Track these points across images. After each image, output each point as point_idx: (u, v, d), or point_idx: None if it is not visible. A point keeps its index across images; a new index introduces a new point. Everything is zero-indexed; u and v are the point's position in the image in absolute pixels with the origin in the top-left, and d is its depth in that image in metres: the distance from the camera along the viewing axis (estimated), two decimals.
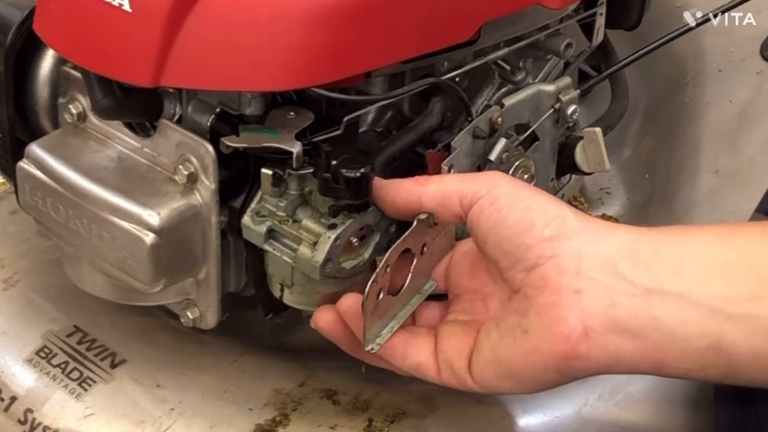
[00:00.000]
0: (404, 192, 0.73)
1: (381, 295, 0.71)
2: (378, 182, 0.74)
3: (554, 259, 0.67)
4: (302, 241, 0.75)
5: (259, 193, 0.77)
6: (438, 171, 0.78)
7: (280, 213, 0.76)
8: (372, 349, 0.72)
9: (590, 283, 0.67)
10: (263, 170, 0.75)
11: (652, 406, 0.86)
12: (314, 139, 0.74)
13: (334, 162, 0.72)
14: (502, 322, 0.70)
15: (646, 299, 0.66)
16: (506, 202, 0.69)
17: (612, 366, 0.68)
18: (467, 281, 0.76)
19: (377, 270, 0.71)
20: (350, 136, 0.75)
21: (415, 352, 0.74)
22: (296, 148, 0.72)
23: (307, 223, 0.75)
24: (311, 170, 0.74)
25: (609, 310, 0.66)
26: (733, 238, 0.67)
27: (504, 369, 0.70)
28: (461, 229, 0.79)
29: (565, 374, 0.68)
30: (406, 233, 0.73)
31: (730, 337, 0.65)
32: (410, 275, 0.75)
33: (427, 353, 0.74)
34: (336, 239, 0.74)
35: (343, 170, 0.72)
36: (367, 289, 0.70)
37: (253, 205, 0.77)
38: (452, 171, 0.78)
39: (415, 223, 0.73)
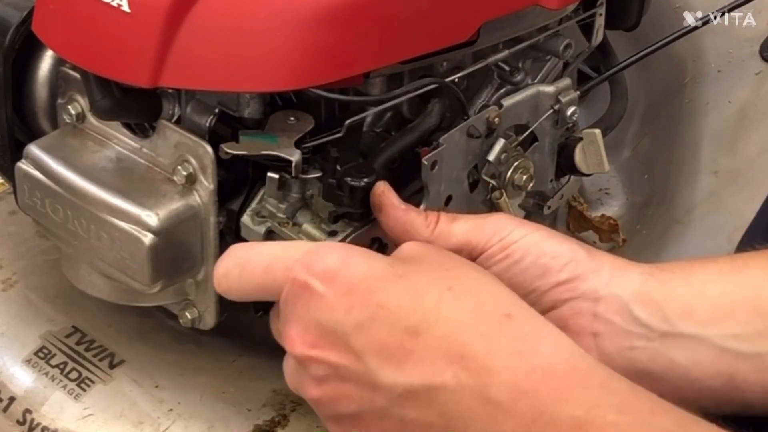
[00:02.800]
0: (414, 235, 0.71)
1: None
2: (394, 211, 0.72)
3: (571, 302, 0.68)
4: None
5: (260, 193, 0.77)
6: None
7: (281, 215, 0.76)
8: None
9: (607, 326, 0.68)
10: (269, 174, 0.74)
11: None
12: (314, 143, 0.74)
13: (339, 168, 0.72)
14: None
15: (662, 343, 0.67)
16: (518, 248, 0.69)
17: None
18: None
19: None
20: (353, 138, 0.75)
21: None
22: (295, 156, 0.72)
23: (308, 227, 0.75)
24: (318, 174, 0.74)
25: (627, 354, 0.67)
26: (736, 274, 0.68)
27: None
28: None
29: None
30: (373, 222, 0.73)
31: (741, 375, 0.66)
32: None
33: None
34: None
35: (348, 178, 0.72)
36: None
37: (253, 204, 0.77)
38: (436, 168, 0.77)
39: None
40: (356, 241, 0.72)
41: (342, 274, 0.62)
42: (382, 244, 0.75)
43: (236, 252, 0.67)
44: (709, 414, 0.72)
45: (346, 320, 0.61)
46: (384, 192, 0.72)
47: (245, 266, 0.66)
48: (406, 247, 0.66)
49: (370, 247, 0.74)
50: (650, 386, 0.66)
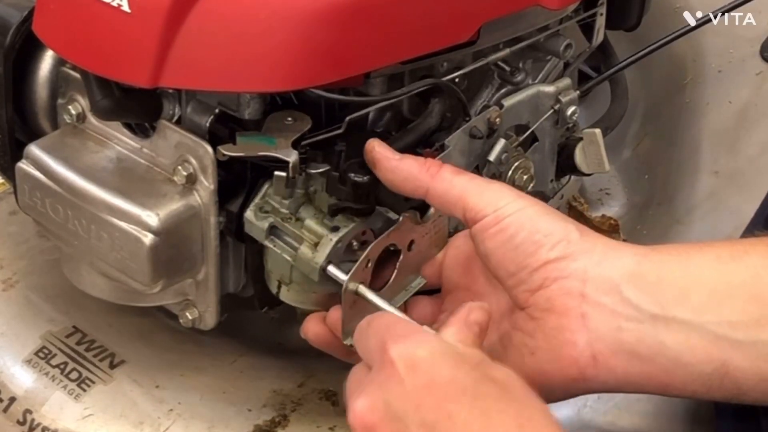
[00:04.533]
0: (413, 181, 0.72)
1: (361, 290, 0.72)
2: (389, 163, 0.73)
3: (560, 281, 0.68)
4: (304, 241, 0.75)
5: (263, 189, 0.77)
6: None
7: (283, 210, 0.76)
8: (350, 343, 0.72)
9: (596, 307, 0.67)
10: (276, 173, 0.74)
11: (651, 406, 0.86)
12: (311, 141, 0.74)
13: (343, 163, 0.72)
14: (505, 338, 0.71)
15: (652, 325, 0.66)
16: (512, 222, 0.69)
17: (619, 387, 0.68)
18: (460, 278, 0.76)
19: (356, 264, 0.71)
20: (356, 135, 0.75)
21: None
22: (292, 157, 0.72)
23: (310, 223, 0.75)
24: (325, 168, 0.74)
25: (615, 334, 0.67)
26: (735, 261, 0.67)
27: None
28: (454, 225, 0.79)
29: (571, 393, 0.70)
30: (390, 229, 0.73)
31: (735, 362, 0.65)
32: (396, 271, 0.75)
33: None
34: (338, 242, 0.73)
35: (351, 174, 0.72)
36: (345, 284, 0.71)
37: (256, 200, 0.77)
38: None
39: (400, 219, 0.73)
40: (374, 250, 0.72)
41: (424, 368, 0.62)
42: (396, 250, 0.75)
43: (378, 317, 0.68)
44: (700, 400, 0.72)
45: (414, 415, 0.61)
46: (375, 147, 0.73)
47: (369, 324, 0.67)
48: (500, 371, 0.65)
49: (360, 239, 0.75)
50: (639, 367, 0.66)
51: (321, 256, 0.73)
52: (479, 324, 0.68)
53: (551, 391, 0.69)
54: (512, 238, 0.69)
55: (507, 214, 0.69)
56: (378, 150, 0.73)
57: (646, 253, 0.69)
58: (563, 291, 0.68)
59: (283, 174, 0.74)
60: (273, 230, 0.77)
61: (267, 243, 0.77)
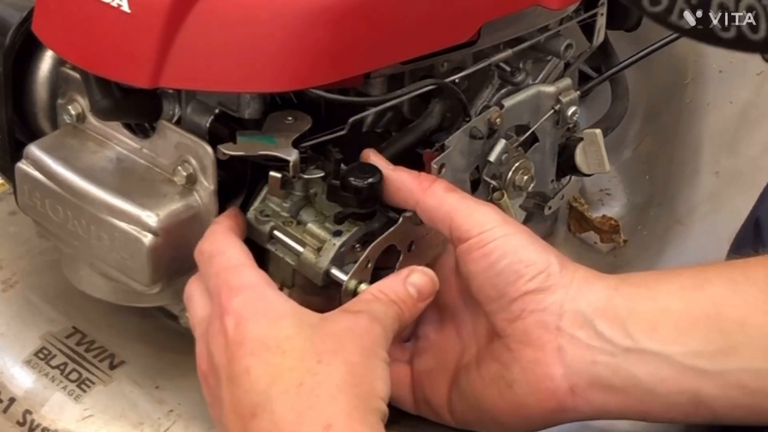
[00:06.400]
0: (405, 192, 0.73)
1: (361, 289, 0.72)
2: (384, 171, 0.73)
3: (536, 314, 0.69)
4: (306, 245, 0.75)
5: (263, 192, 0.77)
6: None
7: (284, 213, 0.76)
8: None
9: (570, 341, 0.68)
10: (271, 173, 0.74)
11: None
12: (312, 142, 0.74)
13: (343, 168, 0.72)
14: (484, 368, 0.71)
15: (625, 358, 0.67)
16: (495, 248, 0.70)
17: (598, 416, 0.70)
18: (440, 294, 0.76)
19: (356, 264, 0.71)
20: (354, 137, 0.75)
21: (392, 388, 0.75)
22: (293, 156, 0.72)
23: (312, 227, 0.75)
24: (321, 174, 0.74)
25: (591, 368, 0.68)
26: (698, 290, 0.69)
27: (489, 417, 0.72)
28: None
29: (551, 423, 0.71)
30: (390, 230, 0.73)
31: (706, 391, 0.66)
32: (395, 272, 0.75)
33: (404, 388, 0.75)
34: (341, 246, 0.73)
35: (352, 179, 0.72)
36: (344, 284, 0.71)
37: (256, 203, 0.77)
38: (443, 171, 0.78)
39: (400, 219, 0.74)
40: (374, 250, 0.72)
41: (244, 323, 0.65)
42: (396, 250, 0.75)
43: (221, 239, 0.72)
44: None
45: (226, 368, 0.65)
46: (370, 157, 0.74)
47: (217, 253, 0.71)
48: (338, 324, 0.67)
49: (362, 239, 0.75)
50: (616, 399, 0.68)
51: (324, 260, 0.73)
52: (416, 287, 0.69)
53: (531, 422, 0.70)
54: (494, 265, 0.69)
55: (492, 238, 0.70)
56: (374, 160, 0.74)
57: (617, 286, 0.70)
58: (540, 324, 0.69)
59: (278, 175, 0.74)
60: (274, 234, 0.76)
61: (269, 247, 0.76)
